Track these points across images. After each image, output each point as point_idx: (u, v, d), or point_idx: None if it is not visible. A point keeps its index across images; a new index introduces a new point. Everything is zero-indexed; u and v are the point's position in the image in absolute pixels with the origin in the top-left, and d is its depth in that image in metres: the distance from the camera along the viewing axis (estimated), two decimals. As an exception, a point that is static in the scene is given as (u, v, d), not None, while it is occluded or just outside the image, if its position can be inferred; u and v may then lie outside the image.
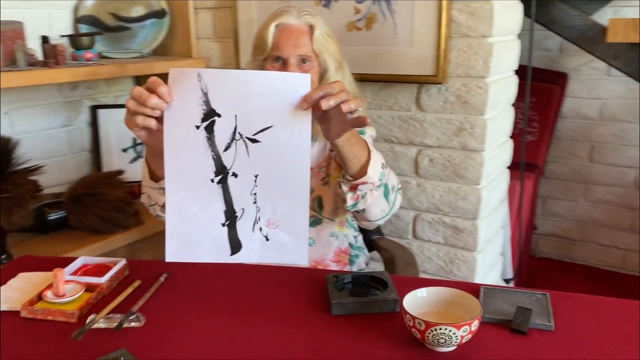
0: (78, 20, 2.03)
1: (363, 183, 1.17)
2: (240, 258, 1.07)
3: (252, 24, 1.91)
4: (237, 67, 2.00)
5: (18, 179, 1.46)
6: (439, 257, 1.83)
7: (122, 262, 1.17)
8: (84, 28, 2.03)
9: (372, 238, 1.63)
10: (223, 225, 1.05)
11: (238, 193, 1.04)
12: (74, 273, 1.14)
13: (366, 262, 1.52)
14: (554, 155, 2.91)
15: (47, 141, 2.02)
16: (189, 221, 1.05)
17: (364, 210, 1.25)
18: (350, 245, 1.46)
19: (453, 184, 1.75)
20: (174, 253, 1.05)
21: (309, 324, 1.00)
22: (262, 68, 1.37)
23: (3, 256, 1.55)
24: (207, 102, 0.99)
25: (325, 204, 1.40)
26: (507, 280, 2.15)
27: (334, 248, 1.42)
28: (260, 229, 1.06)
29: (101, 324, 0.97)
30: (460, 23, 1.63)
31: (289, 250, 1.07)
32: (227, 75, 0.99)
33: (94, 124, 2.14)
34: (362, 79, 1.76)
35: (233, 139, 1.01)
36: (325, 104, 0.97)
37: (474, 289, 1.09)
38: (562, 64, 2.80)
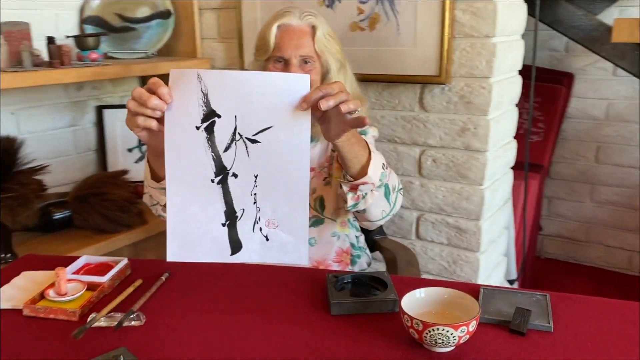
0: (84, 21, 2.05)
1: (363, 183, 1.18)
2: (240, 258, 1.08)
3: (256, 24, 1.92)
4: (241, 67, 2.01)
5: (23, 178, 1.48)
6: (442, 257, 1.83)
7: (124, 261, 1.18)
8: (89, 29, 2.04)
9: (374, 238, 1.63)
10: (223, 225, 1.06)
11: (238, 193, 1.05)
12: (77, 272, 1.15)
13: (368, 263, 1.52)
14: (560, 156, 2.90)
15: (53, 141, 2.04)
16: (190, 221, 1.05)
17: (364, 210, 1.25)
18: (352, 245, 1.46)
19: (456, 184, 1.75)
20: (174, 253, 1.06)
21: (308, 323, 1.00)
22: (264, 68, 1.38)
23: (8, 255, 1.56)
24: (207, 103, 0.99)
25: (327, 204, 1.40)
26: (511, 281, 2.14)
27: (336, 248, 1.42)
28: (261, 229, 1.07)
29: (102, 323, 0.98)
30: (464, 23, 1.62)
31: (289, 250, 1.07)
32: (226, 76, 1.00)
33: (99, 124, 2.15)
34: (366, 79, 1.76)
35: (233, 139, 1.02)
36: (325, 105, 0.97)
37: (474, 290, 1.09)
38: (568, 64, 2.79)
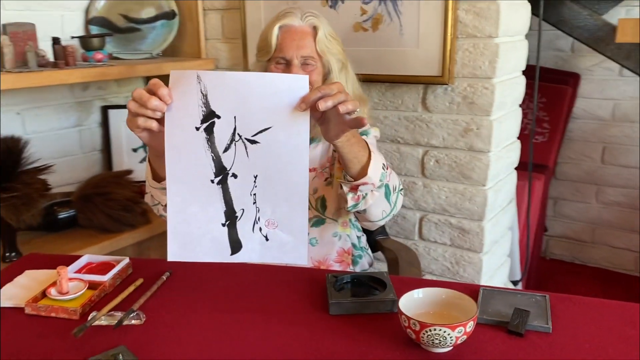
0: (89, 21, 2.06)
1: (363, 184, 1.18)
2: (240, 258, 1.08)
3: (260, 24, 1.93)
4: (245, 67, 2.01)
5: (27, 178, 1.49)
6: (445, 258, 1.83)
7: (126, 260, 1.19)
8: (95, 29, 2.06)
9: (376, 239, 1.63)
10: (223, 225, 1.07)
11: (238, 193, 1.05)
12: (79, 271, 1.16)
13: (370, 263, 1.53)
14: (565, 156, 2.89)
15: (59, 141, 2.05)
16: (190, 221, 1.06)
17: (365, 210, 1.26)
18: (354, 245, 1.46)
19: (459, 184, 1.75)
20: (175, 252, 1.07)
21: (307, 323, 1.01)
22: (266, 69, 1.39)
23: (12, 254, 1.58)
24: (206, 104, 1.00)
25: (328, 205, 1.41)
26: (515, 282, 2.13)
27: (337, 248, 1.42)
28: (260, 229, 1.07)
29: (102, 321, 0.99)
30: (466, 23, 1.62)
31: (288, 250, 1.08)
32: (225, 77, 1.01)
33: (104, 124, 2.17)
34: (369, 79, 1.77)
35: (232, 140, 1.02)
36: (323, 105, 0.97)
37: (473, 291, 1.09)
38: (574, 64, 2.78)
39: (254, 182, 1.05)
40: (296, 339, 0.96)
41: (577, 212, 2.94)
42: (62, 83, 1.69)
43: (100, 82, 2.12)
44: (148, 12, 2.11)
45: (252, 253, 1.08)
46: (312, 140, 1.43)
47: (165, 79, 1.01)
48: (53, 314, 1.02)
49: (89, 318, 0.98)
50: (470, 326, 0.88)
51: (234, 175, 1.04)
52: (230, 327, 1.00)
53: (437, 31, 1.63)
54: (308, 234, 1.37)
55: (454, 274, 1.82)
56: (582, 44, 2.35)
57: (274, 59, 1.36)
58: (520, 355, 0.91)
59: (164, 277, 1.15)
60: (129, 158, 2.17)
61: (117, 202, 1.76)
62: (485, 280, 1.82)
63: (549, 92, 2.68)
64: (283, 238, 1.07)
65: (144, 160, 2.17)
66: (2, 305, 1.05)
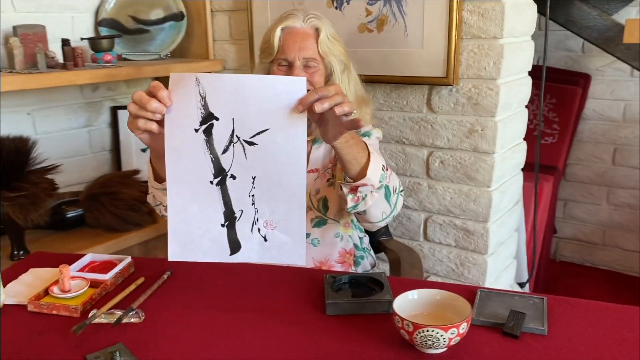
0: (99, 23, 2.09)
1: (363, 185, 1.18)
2: (239, 258, 1.09)
3: (267, 26, 1.91)
4: (252, 68, 2.03)
5: (35, 177, 1.52)
6: (450, 259, 1.83)
7: (127, 259, 1.21)
8: (104, 31, 2.08)
9: (379, 239, 1.64)
10: (222, 225, 1.08)
11: (236, 194, 1.06)
12: (82, 269, 1.18)
13: (372, 264, 1.53)
14: (576, 158, 2.87)
15: (69, 141, 2.08)
16: (190, 221, 1.08)
17: (364, 211, 1.26)
18: (355, 246, 1.47)
19: (464, 186, 1.75)
20: (175, 252, 1.08)
21: (304, 323, 1.02)
22: (269, 70, 1.40)
23: (20, 252, 1.61)
24: (205, 106, 1.01)
25: (330, 205, 1.41)
26: (521, 284, 2.12)
27: (339, 249, 1.43)
28: (259, 230, 1.08)
29: (102, 319, 1.00)
30: (471, 24, 1.62)
31: (287, 250, 1.09)
32: (224, 79, 1.02)
33: (114, 124, 2.19)
34: (374, 80, 1.77)
35: (231, 141, 1.03)
36: (319, 107, 0.98)
37: (472, 292, 1.09)
38: (584, 64, 2.76)
39: (253, 183, 1.06)
40: (292, 338, 0.97)
41: (588, 214, 2.91)
42: (71, 84, 1.72)
43: (110, 83, 2.15)
44: (157, 14, 2.13)
45: (251, 253, 1.09)
46: (314, 141, 1.44)
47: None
48: (55, 312, 1.04)
49: (89, 316, 1.00)
50: (463, 327, 0.88)
51: (233, 177, 1.06)
52: (227, 327, 1.01)
53: (442, 32, 1.63)
54: (309, 234, 1.39)
55: (458, 275, 1.82)
56: (593, 45, 2.34)
57: (276, 61, 1.37)
58: (515, 357, 0.91)
59: (165, 277, 1.17)
60: (137, 158, 2.19)
61: (124, 202, 1.78)
62: (490, 282, 1.82)
63: (559, 93, 2.66)
64: (281, 239, 1.08)
65: (151, 160, 2.19)
66: (6, 303, 1.07)
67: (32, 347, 0.94)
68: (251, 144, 1.03)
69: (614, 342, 0.94)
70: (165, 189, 1.18)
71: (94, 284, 1.11)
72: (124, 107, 2.20)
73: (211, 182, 1.06)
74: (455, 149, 1.73)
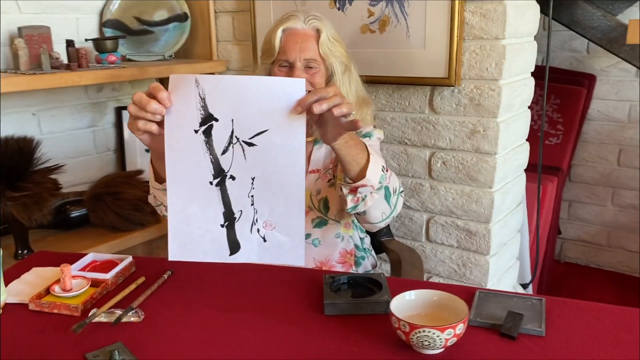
0: (104, 24, 2.10)
1: (362, 185, 1.19)
2: (239, 258, 1.10)
3: (270, 26, 1.93)
4: (255, 68, 2.03)
5: (38, 177, 1.53)
6: (452, 260, 1.83)
7: (128, 259, 1.22)
8: (109, 32, 2.10)
9: (381, 240, 1.64)
10: (222, 226, 1.09)
11: (236, 195, 1.07)
12: (83, 269, 1.19)
13: (373, 265, 1.53)
14: (581, 159, 2.86)
15: (74, 141, 2.10)
16: (190, 222, 1.08)
17: (364, 212, 1.27)
18: (356, 247, 1.47)
19: (466, 186, 1.75)
20: (175, 252, 1.09)
21: (302, 323, 1.02)
22: (270, 71, 1.40)
23: (25, 251, 1.62)
24: (204, 107, 1.02)
25: (331, 206, 1.42)
26: (524, 285, 2.12)
27: (340, 249, 1.43)
28: (258, 230, 1.09)
29: (102, 318, 1.01)
30: (473, 25, 1.62)
31: (286, 251, 1.09)
32: (223, 80, 1.03)
33: (118, 124, 2.21)
34: (376, 81, 1.78)
35: (230, 142, 1.04)
36: (318, 108, 0.99)
37: (470, 293, 1.09)
38: (589, 65, 2.75)
39: (252, 184, 1.06)
40: (290, 338, 0.98)
41: (593, 215, 2.90)
42: (75, 85, 1.73)
43: (115, 83, 2.17)
44: (161, 15, 2.14)
45: (251, 254, 1.10)
46: (315, 141, 1.44)
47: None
48: (55, 311, 1.05)
49: (89, 315, 1.01)
50: (460, 328, 0.88)
51: (232, 177, 1.06)
52: (226, 326, 1.02)
53: (444, 33, 1.64)
54: (310, 234, 1.40)
55: (460, 276, 1.82)
56: (597, 45, 2.33)
57: (277, 62, 1.37)
58: (512, 358, 0.91)
59: (165, 276, 1.17)
60: (142, 158, 2.21)
61: (127, 202, 1.80)
62: (492, 283, 1.82)
63: (564, 94, 2.65)
64: (281, 239, 1.09)
65: (155, 160, 2.21)
66: (7, 301, 1.08)
67: (33, 345, 0.96)
68: (250, 144, 1.04)
69: (611, 344, 0.94)
70: (165, 190, 1.19)
71: (95, 283, 1.12)
72: (129, 108, 2.21)
73: (211, 183, 1.06)
74: (457, 150, 1.73)
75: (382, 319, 1.02)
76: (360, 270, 1.48)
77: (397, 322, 0.90)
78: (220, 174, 1.06)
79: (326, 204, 1.42)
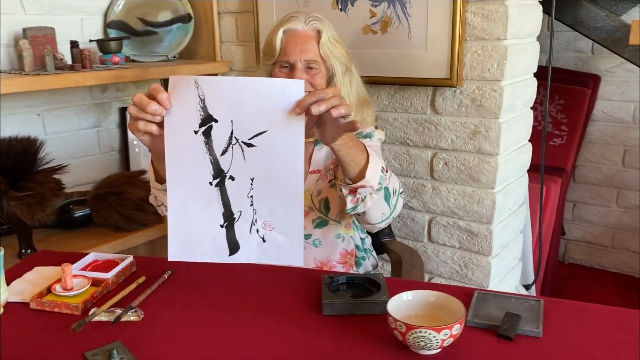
0: (108, 25, 2.12)
1: (362, 186, 1.19)
2: (238, 258, 1.11)
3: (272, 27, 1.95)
4: (258, 69, 2.04)
5: (42, 177, 1.54)
6: (453, 261, 1.83)
7: (129, 258, 1.23)
8: (113, 33, 2.11)
9: (382, 240, 1.64)
10: (221, 226, 1.09)
11: (235, 196, 1.08)
12: (84, 268, 1.20)
13: (374, 265, 1.54)
14: (585, 159, 2.85)
15: (78, 141, 2.11)
16: (190, 222, 1.09)
17: (364, 213, 1.27)
18: (357, 247, 1.48)
19: (468, 187, 1.75)
20: (175, 253, 1.10)
21: (300, 323, 1.03)
22: (271, 72, 1.41)
23: (28, 250, 1.64)
24: (204, 108, 1.03)
25: (332, 206, 1.42)
26: (527, 286, 2.12)
27: (340, 250, 1.44)
28: (257, 231, 1.09)
29: (102, 317, 1.02)
30: (475, 26, 1.62)
31: (285, 251, 1.10)
32: (222, 82, 1.03)
33: (122, 125, 2.22)
34: (378, 81, 1.78)
35: (230, 143, 1.05)
36: (316, 109, 0.99)
37: (469, 294, 1.09)
38: (594, 65, 2.74)
39: (251, 184, 1.07)
40: (288, 338, 0.98)
41: (597, 216, 2.89)
42: (78, 85, 1.75)
43: (119, 84, 2.18)
44: (165, 16, 2.16)
45: (250, 254, 1.11)
46: (316, 142, 1.45)
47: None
48: (56, 309, 1.06)
49: (90, 314, 1.02)
50: (456, 329, 0.89)
51: (232, 178, 1.07)
52: (224, 326, 1.02)
53: (446, 34, 1.64)
54: (310, 235, 1.41)
55: (462, 276, 1.82)
56: (601, 46, 2.32)
57: (278, 63, 1.38)
58: (509, 359, 0.91)
59: (166, 276, 1.18)
60: (145, 158, 2.22)
61: (130, 202, 1.81)
62: (494, 284, 1.81)
63: (568, 94, 2.65)
64: (279, 240, 1.09)
65: (159, 160, 2.22)
66: (9, 300, 1.09)
67: (33, 344, 0.97)
68: (250, 145, 1.05)
69: (609, 345, 0.94)
70: (166, 190, 1.20)
71: (95, 282, 1.13)
72: (133, 108, 2.23)
73: (210, 183, 1.07)
74: (459, 151, 1.74)
75: (380, 320, 1.02)
76: (361, 271, 1.48)
77: (393, 323, 0.90)
78: (219, 175, 1.06)
79: (327, 204, 1.42)
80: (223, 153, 1.05)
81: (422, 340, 0.88)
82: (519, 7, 1.61)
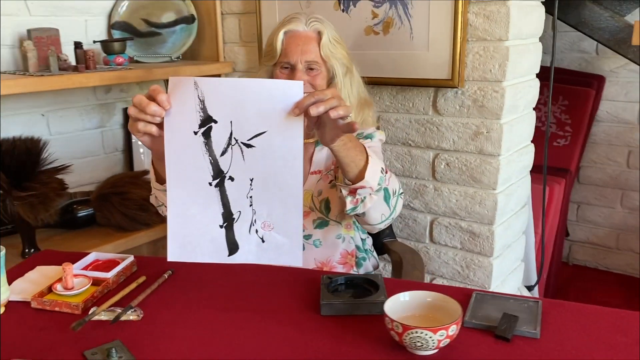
0: (112, 26, 2.13)
1: (361, 187, 1.19)
2: (237, 259, 1.11)
3: (275, 28, 1.96)
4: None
5: (45, 177, 1.56)
6: (455, 261, 1.83)
7: (130, 258, 1.24)
8: (117, 34, 2.12)
9: (383, 241, 1.64)
10: (221, 227, 1.10)
11: (235, 196, 1.08)
12: (85, 268, 1.21)
13: (375, 266, 1.54)
14: (589, 160, 2.84)
15: (82, 142, 2.13)
16: (190, 223, 1.10)
17: (364, 214, 1.27)
18: (357, 248, 1.48)
19: (469, 188, 1.75)
20: (175, 253, 1.11)
21: (298, 323, 1.03)
22: (272, 73, 1.42)
23: (31, 250, 1.65)
24: (203, 109, 1.03)
25: (332, 207, 1.42)
26: (529, 287, 2.11)
27: (341, 250, 1.44)
28: (257, 231, 1.10)
29: (102, 317, 1.03)
30: (477, 27, 1.62)
31: (284, 251, 1.10)
32: (222, 83, 1.04)
33: (126, 125, 2.23)
34: (380, 82, 1.79)
35: (229, 144, 1.05)
36: (315, 110, 1.00)
37: (468, 294, 1.10)
38: (598, 66, 2.73)
39: (250, 185, 1.07)
40: (287, 338, 0.99)
41: (601, 217, 2.88)
42: (82, 86, 1.76)
43: (122, 84, 2.19)
44: (168, 17, 2.16)
45: (249, 254, 1.11)
46: (317, 143, 1.45)
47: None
48: (57, 309, 1.07)
49: (89, 313, 1.03)
50: (452, 330, 0.89)
51: (231, 178, 1.07)
52: (223, 326, 1.03)
53: (447, 34, 1.64)
54: (311, 235, 1.41)
55: (464, 277, 1.82)
56: (605, 46, 2.31)
57: (279, 64, 1.38)
58: (505, 360, 0.91)
59: (166, 276, 1.19)
60: (149, 158, 2.22)
61: (133, 202, 1.82)
62: (496, 285, 1.81)
63: (572, 95, 2.64)
64: (279, 240, 1.10)
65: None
66: (11, 299, 1.10)
67: (33, 343, 0.97)
68: (249, 146, 1.05)
69: (606, 347, 0.94)
70: (166, 190, 1.20)
71: (96, 282, 1.14)
72: (136, 109, 2.24)
73: (210, 184, 1.08)
74: (460, 151, 1.74)
75: (378, 320, 1.02)
76: (362, 272, 1.48)
77: (390, 323, 0.91)
78: (219, 175, 1.07)
79: (327, 205, 1.43)
80: (222, 154, 1.06)
81: (418, 341, 0.88)
82: (520, 8, 1.61)
